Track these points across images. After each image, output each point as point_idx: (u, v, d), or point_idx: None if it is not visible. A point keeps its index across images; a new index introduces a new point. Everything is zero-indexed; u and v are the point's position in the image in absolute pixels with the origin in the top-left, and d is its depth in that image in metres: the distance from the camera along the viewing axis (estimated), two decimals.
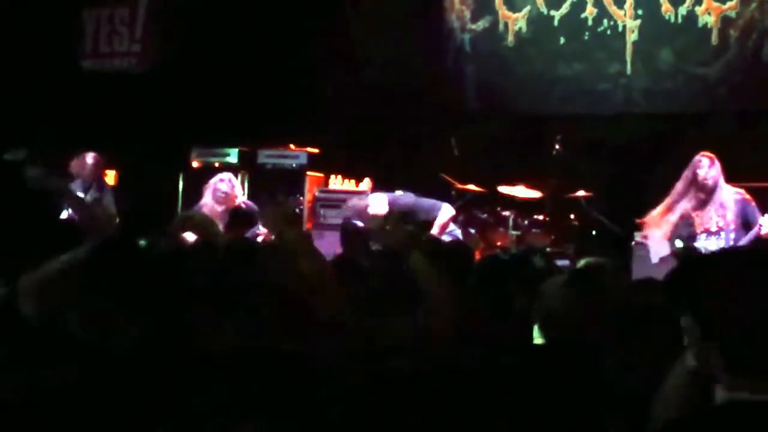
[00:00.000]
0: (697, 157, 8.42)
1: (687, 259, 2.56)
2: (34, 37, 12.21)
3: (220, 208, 9.53)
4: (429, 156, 11.42)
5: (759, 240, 8.06)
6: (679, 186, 8.49)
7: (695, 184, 8.36)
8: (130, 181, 11.49)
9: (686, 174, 8.44)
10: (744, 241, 8.14)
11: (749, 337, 2.32)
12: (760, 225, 8.08)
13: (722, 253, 3.11)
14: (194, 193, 10.42)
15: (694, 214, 8.36)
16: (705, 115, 10.99)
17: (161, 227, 9.27)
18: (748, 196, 8.37)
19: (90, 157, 10.24)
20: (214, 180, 9.82)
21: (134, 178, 11.49)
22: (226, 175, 9.90)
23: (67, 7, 12.82)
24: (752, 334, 2.32)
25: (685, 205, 8.40)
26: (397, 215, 9.20)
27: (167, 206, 11.07)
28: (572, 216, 10.65)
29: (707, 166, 8.33)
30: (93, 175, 10.25)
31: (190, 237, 7.49)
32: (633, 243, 9.26)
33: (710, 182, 8.30)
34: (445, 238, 8.72)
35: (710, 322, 2.37)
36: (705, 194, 8.33)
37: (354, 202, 9.89)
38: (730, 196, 8.33)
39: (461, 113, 12.02)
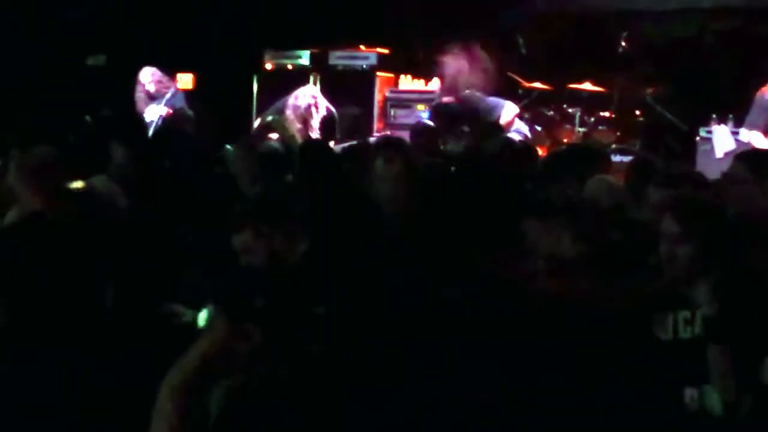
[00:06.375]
0: None
1: None
2: None
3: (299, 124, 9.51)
4: (495, 54, 11.51)
5: None
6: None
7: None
8: (206, 84, 11.70)
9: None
10: None
11: None
12: None
13: None
14: (268, 95, 10.69)
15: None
16: None
17: (238, 130, 9.61)
18: None
19: (152, 72, 10.14)
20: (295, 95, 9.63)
21: (210, 82, 11.70)
22: (307, 92, 9.76)
23: None
24: None
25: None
26: None
27: (243, 108, 11.36)
28: (638, 112, 10.76)
29: None
30: (159, 87, 10.12)
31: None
32: (698, 138, 9.36)
33: None
34: (513, 135, 8.85)
35: None
36: None
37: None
38: None
39: (528, 12, 12.02)
